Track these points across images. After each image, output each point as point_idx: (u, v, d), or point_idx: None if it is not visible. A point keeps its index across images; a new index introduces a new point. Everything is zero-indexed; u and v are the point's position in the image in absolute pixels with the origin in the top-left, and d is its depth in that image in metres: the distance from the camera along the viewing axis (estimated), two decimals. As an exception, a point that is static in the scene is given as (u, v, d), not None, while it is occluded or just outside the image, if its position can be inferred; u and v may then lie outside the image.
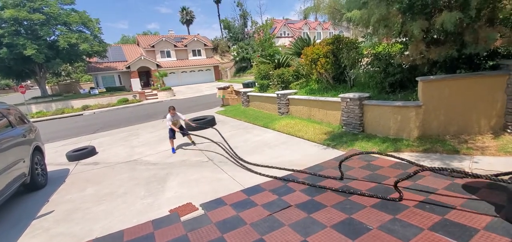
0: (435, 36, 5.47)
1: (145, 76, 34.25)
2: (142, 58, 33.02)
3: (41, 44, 23.23)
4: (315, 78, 9.12)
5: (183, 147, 7.49)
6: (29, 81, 42.80)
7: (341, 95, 6.68)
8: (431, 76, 5.29)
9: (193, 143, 7.66)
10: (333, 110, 7.25)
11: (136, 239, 3.18)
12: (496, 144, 4.57)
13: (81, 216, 3.95)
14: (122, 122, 14.35)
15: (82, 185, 5.41)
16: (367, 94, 6.30)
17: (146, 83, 33.87)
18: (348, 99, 6.46)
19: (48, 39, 24.62)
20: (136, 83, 32.44)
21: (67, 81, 37.85)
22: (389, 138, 5.65)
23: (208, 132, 8.93)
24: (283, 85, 10.34)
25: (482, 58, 5.31)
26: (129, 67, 32.35)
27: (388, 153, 4.13)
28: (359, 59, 7.43)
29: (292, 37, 40.34)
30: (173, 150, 7.10)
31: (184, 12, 61.32)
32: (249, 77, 27.20)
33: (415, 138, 5.31)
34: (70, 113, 22.23)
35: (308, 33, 42.02)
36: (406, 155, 4.86)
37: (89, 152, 7.83)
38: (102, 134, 11.49)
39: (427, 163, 4.41)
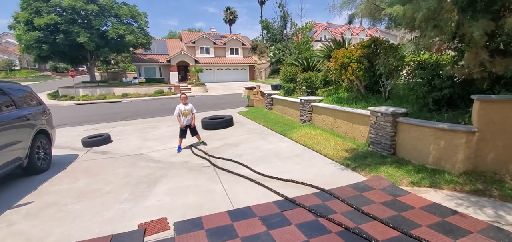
0: (502, 44, 4.18)
1: (183, 70, 35.40)
2: (183, 53, 34.17)
3: (93, 33, 25.13)
4: (346, 85, 8.04)
5: (193, 147, 7.00)
6: (85, 67, 47.31)
7: (371, 108, 5.61)
8: (493, 96, 4.03)
9: (203, 143, 7.19)
10: (360, 125, 6.17)
11: (86, 255, 2.71)
12: None
13: (52, 214, 3.64)
14: (151, 112, 14.66)
15: (77, 175, 5.22)
16: (404, 110, 5.16)
17: (183, 77, 35.00)
18: (379, 114, 5.38)
19: (100, 29, 26.54)
20: (174, 77, 33.67)
21: (115, 69, 40.82)
22: (426, 167, 4.48)
23: (222, 132, 8.44)
24: (309, 90, 9.39)
25: None
26: (169, 60, 33.70)
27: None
28: (399, 67, 6.24)
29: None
30: (179, 148, 6.68)
31: (228, 11, 62.66)
32: (282, 79, 26.35)
33: (461, 173, 4.09)
34: (111, 99, 23.68)
35: (350, 39, 39.70)
36: (446, 194, 3.72)
37: (103, 139, 7.83)
38: (127, 123, 11.71)
39: (472, 211, 3.26)
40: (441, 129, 4.34)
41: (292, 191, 4.08)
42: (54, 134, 6.26)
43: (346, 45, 9.59)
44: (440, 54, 5.77)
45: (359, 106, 6.54)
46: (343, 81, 8.21)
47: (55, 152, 6.59)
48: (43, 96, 24.56)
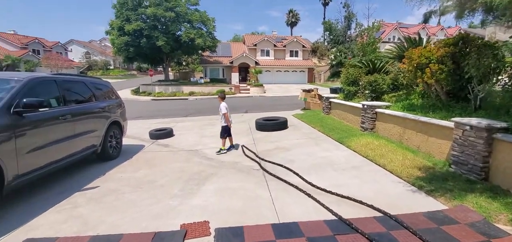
0: None
1: (244, 71, 36.59)
2: (244, 55, 35.35)
3: (169, 37, 28.12)
4: (420, 90, 6.85)
5: (245, 147, 6.95)
6: (161, 67, 53.28)
7: (457, 119, 4.57)
8: None
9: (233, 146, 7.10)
10: (439, 139, 5.12)
11: (130, 247, 2.79)
12: None
13: (110, 202, 3.95)
14: (210, 110, 15.43)
15: (140, 165, 5.69)
16: (503, 124, 4.03)
17: (243, 78, 36.17)
18: (468, 127, 4.33)
19: (175, 34, 29.46)
20: (235, 77, 35.12)
21: (186, 70, 44.85)
22: (538, 203, 3.37)
23: (275, 135, 8.20)
24: (374, 95, 8.37)
25: None
26: (232, 62, 35.26)
27: None
28: (497, 70, 4.95)
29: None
30: (229, 148, 6.78)
31: (291, 14, 62.49)
32: (344, 83, 24.67)
33: None
34: (180, 96, 26.04)
35: (427, 39, 34.71)
36: None
37: (166, 133, 8.48)
38: (189, 119, 12.57)
39: None
40: None
41: (348, 210, 3.56)
42: (126, 125, 7.02)
43: (424, 43, 8.22)
44: None
45: (438, 116, 5.45)
46: (417, 85, 7.03)
47: (126, 141, 7.40)
48: (128, 92, 28.57)
